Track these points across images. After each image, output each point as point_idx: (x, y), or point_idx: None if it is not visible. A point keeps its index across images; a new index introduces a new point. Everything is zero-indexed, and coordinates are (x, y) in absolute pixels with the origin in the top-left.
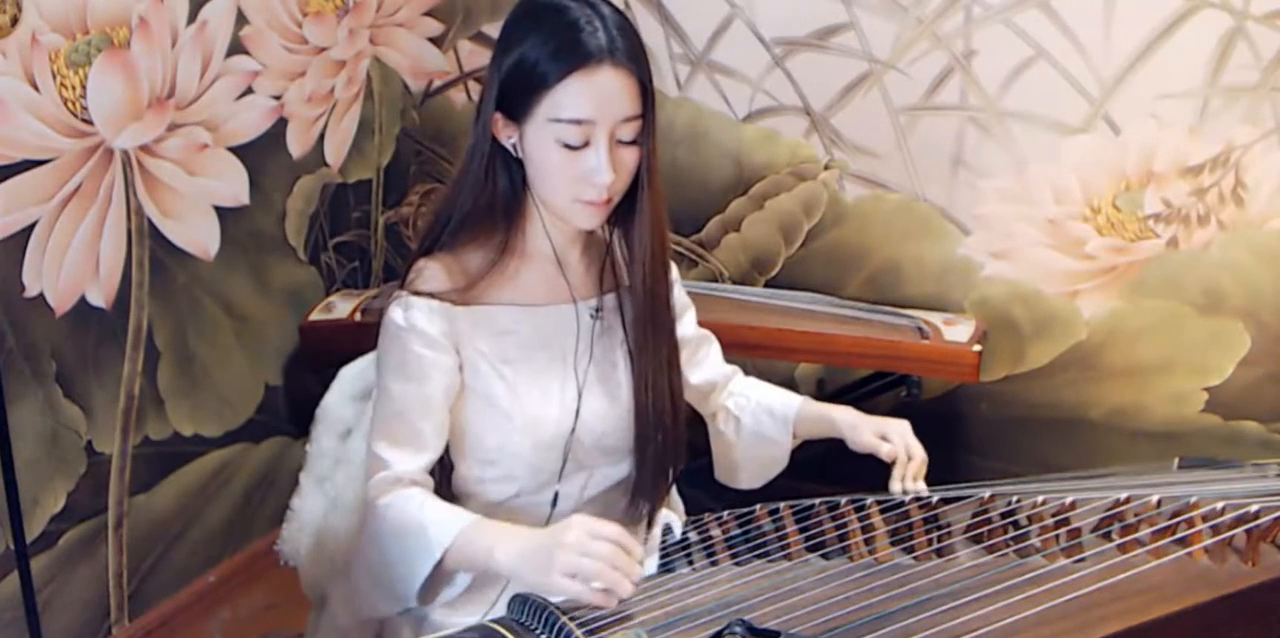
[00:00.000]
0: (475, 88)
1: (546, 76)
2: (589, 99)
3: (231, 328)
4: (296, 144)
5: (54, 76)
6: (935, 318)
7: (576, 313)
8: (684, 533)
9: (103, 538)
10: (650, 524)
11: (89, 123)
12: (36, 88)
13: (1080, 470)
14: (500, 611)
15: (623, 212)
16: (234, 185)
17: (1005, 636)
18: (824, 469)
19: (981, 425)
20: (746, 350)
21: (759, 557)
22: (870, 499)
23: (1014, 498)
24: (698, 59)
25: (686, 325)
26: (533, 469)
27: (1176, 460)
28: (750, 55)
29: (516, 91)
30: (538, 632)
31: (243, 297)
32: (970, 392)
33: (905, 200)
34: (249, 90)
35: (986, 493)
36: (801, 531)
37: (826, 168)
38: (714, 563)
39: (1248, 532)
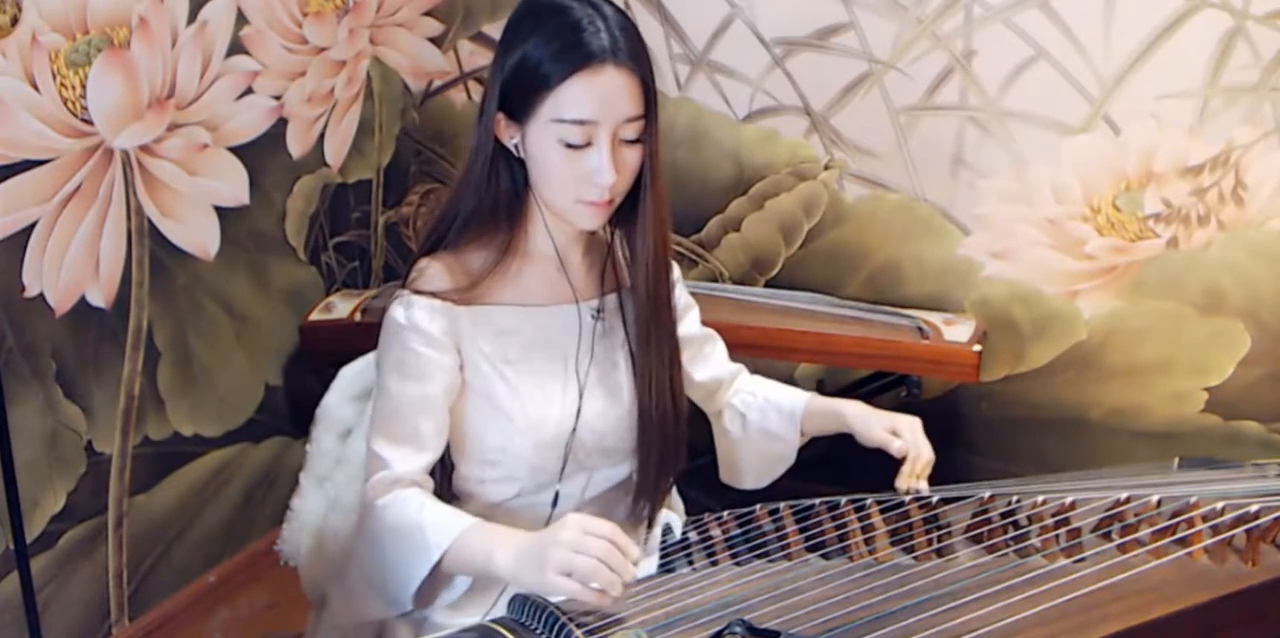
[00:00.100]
0: (475, 88)
1: (549, 77)
2: (592, 99)
3: (231, 328)
4: (296, 144)
5: (54, 76)
6: (935, 318)
7: (578, 313)
8: (684, 533)
9: (103, 538)
10: (650, 524)
11: (89, 123)
12: (36, 88)
13: (1080, 470)
14: (501, 611)
15: (624, 212)
16: (234, 185)
17: (1005, 636)
18: (824, 469)
19: (981, 425)
20: (746, 350)
21: (759, 557)
22: (870, 499)
23: (1014, 498)
24: (698, 59)
25: (690, 324)
26: (533, 470)
27: (1176, 460)
28: (750, 55)
29: (519, 92)
30: (538, 632)
31: (243, 297)
32: (970, 392)
33: (905, 200)
34: (249, 90)
35: (986, 493)
36: (801, 531)
37: (826, 168)
38: (714, 563)
39: (1248, 532)
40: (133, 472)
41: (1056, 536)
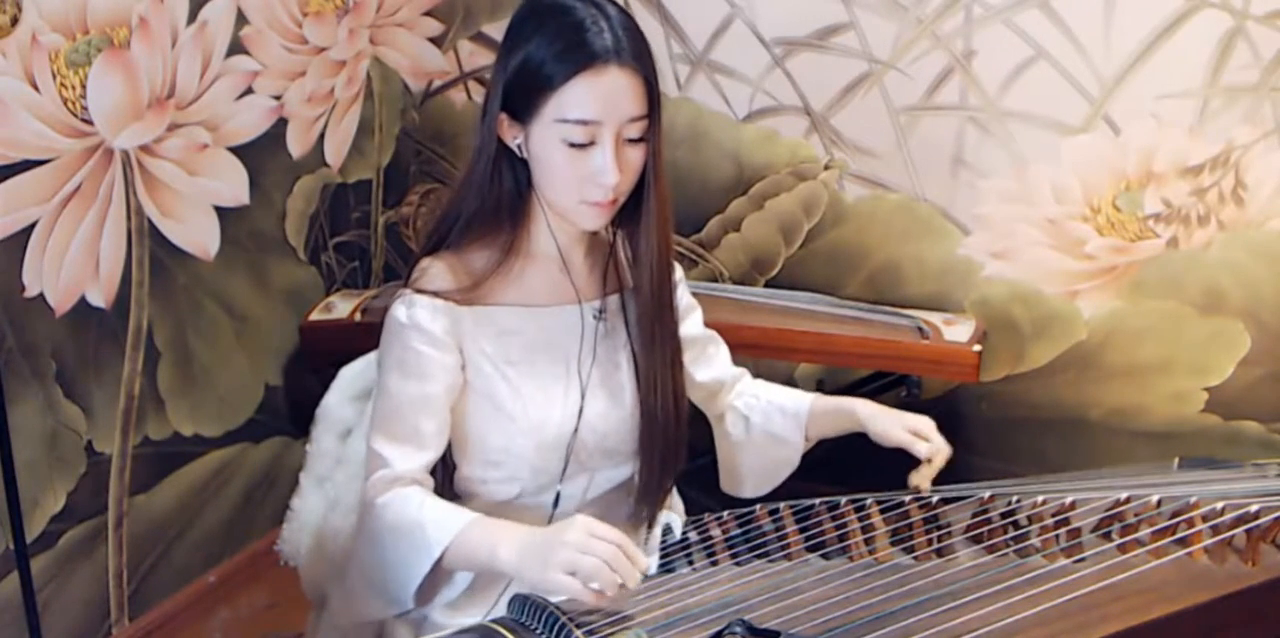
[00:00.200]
0: (475, 88)
1: (552, 77)
2: (595, 99)
3: (231, 328)
4: (296, 144)
5: (54, 76)
6: (935, 318)
7: (581, 314)
8: (684, 533)
9: (103, 538)
10: (651, 525)
11: (89, 123)
12: (36, 88)
13: (1080, 470)
14: (501, 611)
15: (627, 212)
16: (234, 185)
17: (1005, 636)
18: (824, 469)
19: (981, 425)
20: (746, 350)
21: (759, 557)
22: (870, 499)
23: (1014, 498)
24: (698, 59)
25: (692, 325)
26: (535, 471)
27: (1176, 460)
28: (750, 55)
29: (522, 92)
30: (538, 632)
31: (243, 297)
32: (970, 392)
33: (905, 200)
34: (249, 90)
35: (986, 493)
36: (801, 531)
37: (826, 168)
38: (714, 563)
39: (1248, 532)
40: (133, 472)
41: (1056, 536)
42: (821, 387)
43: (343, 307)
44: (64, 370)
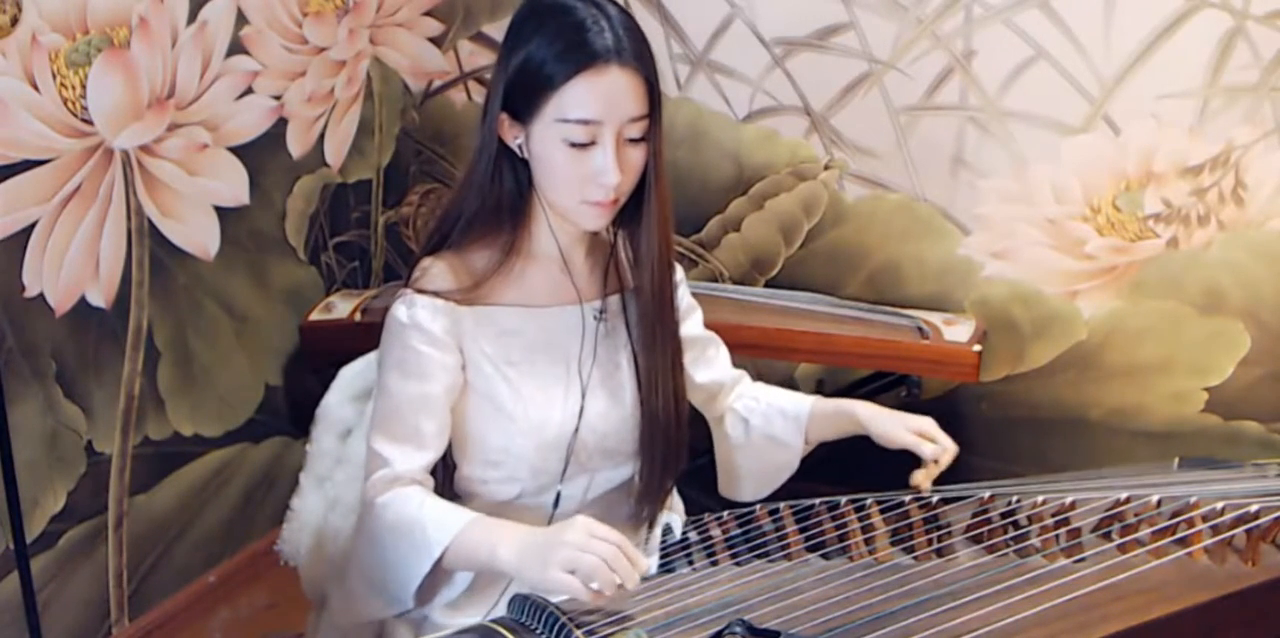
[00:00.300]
0: (475, 88)
1: (553, 77)
2: (596, 99)
3: (231, 328)
4: (296, 144)
5: (54, 76)
6: (935, 318)
7: (581, 314)
8: (684, 533)
9: (103, 538)
10: (651, 525)
11: (89, 123)
12: (36, 88)
13: (1080, 471)
14: (501, 611)
15: (628, 212)
16: (234, 185)
17: (1005, 636)
18: (824, 469)
19: (981, 425)
20: (746, 350)
21: (759, 557)
22: (870, 499)
23: (1014, 498)
24: (698, 59)
25: (693, 326)
26: (535, 471)
27: (1176, 460)
28: (750, 55)
29: (523, 92)
30: (538, 632)
31: (243, 297)
32: (970, 392)
33: (905, 200)
34: (249, 90)
35: (986, 493)
36: (801, 531)
37: (826, 168)
38: (714, 563)
39: (1248, 532)
40: (133, 472)
41: (1056, 536)
42: (821, 387)
43: (343, 307)
44: (64, 370)
